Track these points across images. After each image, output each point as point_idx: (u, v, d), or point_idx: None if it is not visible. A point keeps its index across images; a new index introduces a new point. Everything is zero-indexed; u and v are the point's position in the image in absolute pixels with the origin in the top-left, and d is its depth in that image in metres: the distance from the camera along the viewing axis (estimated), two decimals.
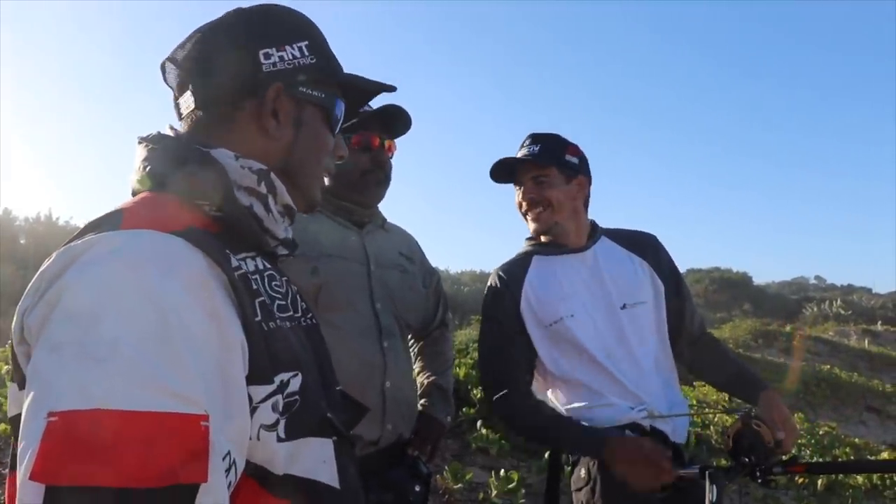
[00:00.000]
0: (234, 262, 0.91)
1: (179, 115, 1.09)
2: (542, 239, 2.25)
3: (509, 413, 2.10)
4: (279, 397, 0.88)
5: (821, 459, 5.61)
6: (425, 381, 2.31)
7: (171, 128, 1.08)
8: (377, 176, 2.05)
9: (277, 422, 0.87)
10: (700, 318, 2.36)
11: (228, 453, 0.78)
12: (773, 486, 1.88)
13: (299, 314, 1.08)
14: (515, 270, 2.20)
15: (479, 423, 4.71)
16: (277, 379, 0.88)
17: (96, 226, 0.87)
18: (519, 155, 2.16)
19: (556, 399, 2.15)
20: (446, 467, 3.69)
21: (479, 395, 5.00)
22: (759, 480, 1.85)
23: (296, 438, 0.90)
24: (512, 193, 2.26)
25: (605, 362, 2.07)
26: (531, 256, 2.21)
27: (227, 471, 0.77)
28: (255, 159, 1.03)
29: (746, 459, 1.86)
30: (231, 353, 0.81)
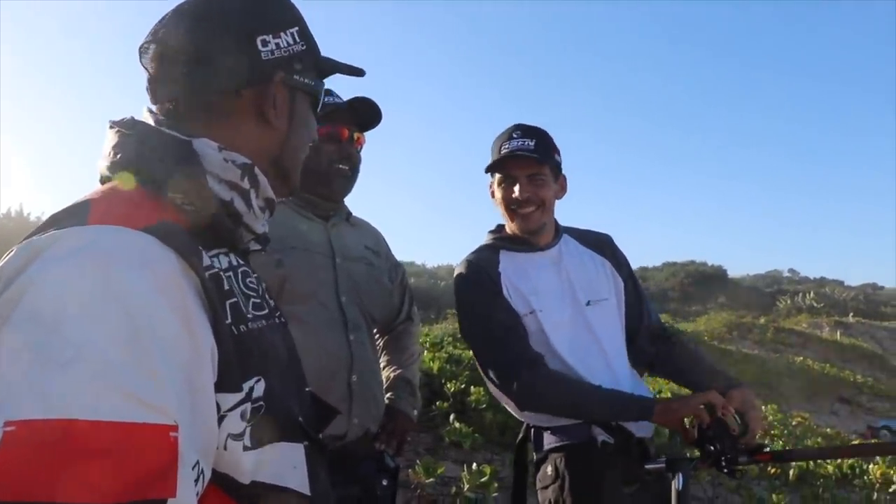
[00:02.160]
0: (207, 261, 0.86)
1: (155, 98, 1.02)
2: (510, 233, 2.20)
3: (545, 388, 1.96)
4: (247, 405, 0.84)
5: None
6: (391, 375, 2.28)
7: (150, 112, 1.00)
8: (344, 169, 2.01)
9: (244, 430, 0.83)
10: (658, 316, 2.36)
11: (197, 463, 0.74)
12: (739, 475, 1.88)
13: (268, 311, 1.03)
14: (488, 260, 2.14)
15: (451, 416, 4.68)
16: (246, 386, 0.84)
17: (60, 219, 0.81)
18: (509, 147, 2.09)
19: None
20: (418, 461, 3.66)
21: (452, 389, 4.97)
22: (725, 470, 1.84)
23: (263, 445, 0.86)
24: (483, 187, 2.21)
25: (570, 359, 2.03)
26: (498, 251, 2.17)
27: (196, 481, 0.73)
28: (247, 148, 0.99)
29: (712, 448, 1.84)
30: (201, 360, 0.77)
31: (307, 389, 1.10)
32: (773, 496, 4.55)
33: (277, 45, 1.02)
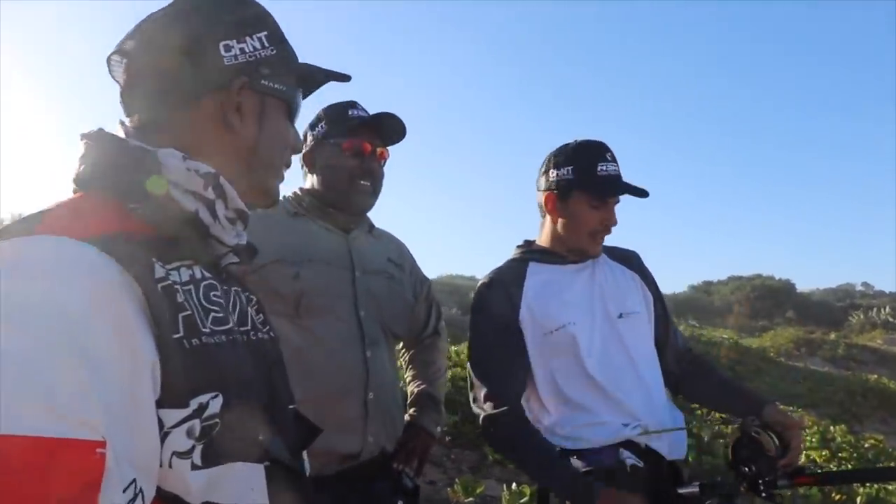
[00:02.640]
0: (160, 272, 0.83)
1: (127, 110, 1.03)
2: (541, 246, 2.15)
3: (506, 434, 1.94)
4: (195, 422, 0.81)
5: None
6: (415, 390, 2.23)
7: (122, 124, 1.01)
8: (365, 185, 1.97)
9: (193, 448, 0.81)
10: (685, 340, 2.29)
11: (134, 482, 0.72)
12: (779, 500, 1.73)
13: (248, 327, 1.02)
14: (513, 275, 2.08)
15: None
16: (195, 402, 0.81)
17: (11, 229, 0.82)
18: (606, 170, 2.00)
19: (544, 414, 2.03)
20: (457, 480, 3.56)
21: None
22: (763, 494, 1.73)
23: (215, 465, 0.83)
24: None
25: (600, 377, 1.95)
26: (526, 264, 2.10)
27: (133, 500, 0.72)
28: (214, 157, 0.97)
29: (746, 469, 1.72)
30: (138, 373, 0.75)
31: (291, 407, 1.07)
32: None
33: (242, 49, 1.01)
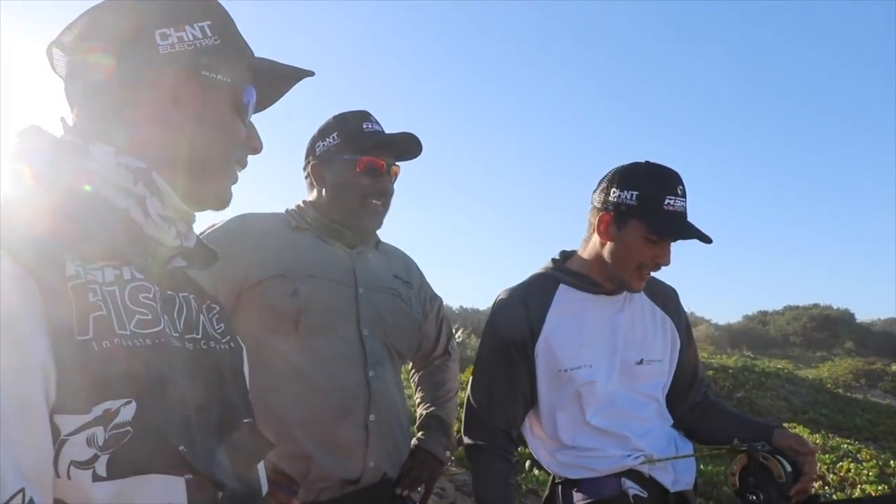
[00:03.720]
0: (73, 271, 0.80)
1: (70, 105, 0.99)
2: (577, 269, 2.00)
3: (477, 467, 1.96)
4: (98, 429, 0.76)
5: None
6: (423, 413, 2.15)
7: (62, 120, 0.98)
8: (377, 204, 1.91)
9: (95, 457, 0.76)
10: (705, 390, 2.14)
11: (21, 491, 0.68)
12: None
13: (198, 335, 0.98)
14: (539, 298, 1.95)
15: (528, 463, 4.48)
16: (100, 408, 0.76)
17: None
18: (674, 205, 1.81)
19: (545, 442, 1.96)
20: None
21: None
22: None
23: (124, 476, 0.78)
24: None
25: (604, 425, 1.87)
26: (557, 285, 1.97)
27: None
28: (150, 151, 0.94)
29: (753, 498, 1.63)
30: (27, 376, 0.71)
31: (246, 421, 1.01)
32: None
33: (180, 38, 0.96)
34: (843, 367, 15.84)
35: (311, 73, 1.13)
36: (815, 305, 30.25)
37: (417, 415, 2.16)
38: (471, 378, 2.00)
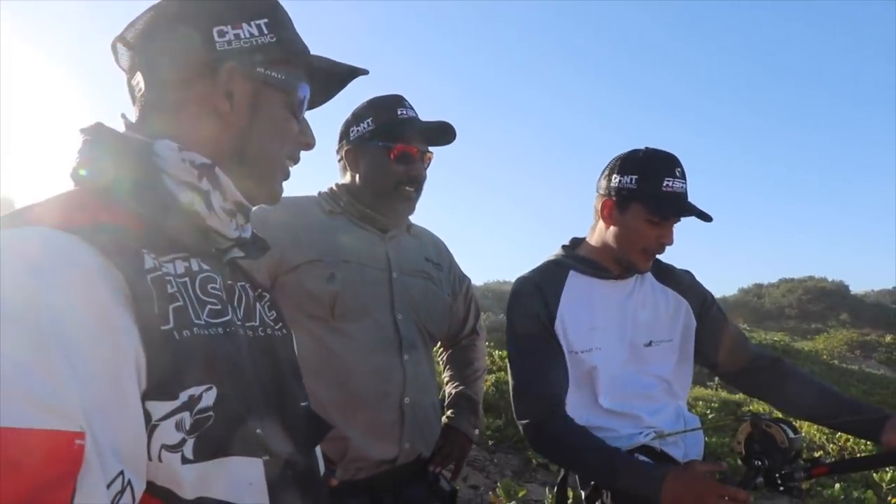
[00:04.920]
0: (150, 263, 0.83)
1: (133, 99, 1.02)
2: (585, 254, 2.06)
3: (553, 437, 1.85)
4: (185, 414, 0.79)
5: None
6: (453, 391, 2.20)
7: (123, 116, 1.01)
8: (409, 191, 1.92)
9: (183, 441, 0.79)
10: (751, 344, 2.18)
11: (121, 473, 0.71)
12: (798, 494, 1.72)
13: (256, 323, 1.01)
14: (553, 283, 1.99)
15: None
16: (185, 394, 0.79)
17: (3, 222, 0.81)
18: (672, 187, 1.88)
19: None
20: (499, 483, 3.56)
21: None
22: (781, 488, 1.70)
23: (208, 459, 0.81)
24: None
25: (614, 407, 1.92)
26: (567, 271, 2.02)
27: (121, 493, 0.71)
28: (207, 146, 0.96)
29: (759, 463, 1.72)
30: (121, 364, 0.74)
31: (303, 405, 1.06)
32: None
33: (237, 35, 0.98)
34: (838, 338, 16.03)
35: (365, 72, 1.14)
36: (810, 278, 30.47)
37: (446, 393, 2.21)
38: (509, 367, 2.01)
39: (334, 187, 2.00)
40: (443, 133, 1.94)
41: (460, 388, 2.19)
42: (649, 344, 2.00)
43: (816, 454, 5.89)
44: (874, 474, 5.27)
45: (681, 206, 1.89)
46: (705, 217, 1.90)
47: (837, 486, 4.95)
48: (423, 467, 1.91)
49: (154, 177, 0.91)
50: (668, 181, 1.88)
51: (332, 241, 1.84)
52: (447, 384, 2.24)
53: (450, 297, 2.11)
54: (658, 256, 2.05)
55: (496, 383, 5.79)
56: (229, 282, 0.99)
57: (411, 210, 1.98)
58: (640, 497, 1.69)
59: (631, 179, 1.91)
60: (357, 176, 1.95)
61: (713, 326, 2.11)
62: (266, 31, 1.01)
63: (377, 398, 1.77)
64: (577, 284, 1.99)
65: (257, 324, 1.02)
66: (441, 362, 2.33)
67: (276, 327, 1.07)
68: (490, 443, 4.95)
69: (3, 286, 0.69)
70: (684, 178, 1.90)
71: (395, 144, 1.88)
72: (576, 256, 2.06)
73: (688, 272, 2.21)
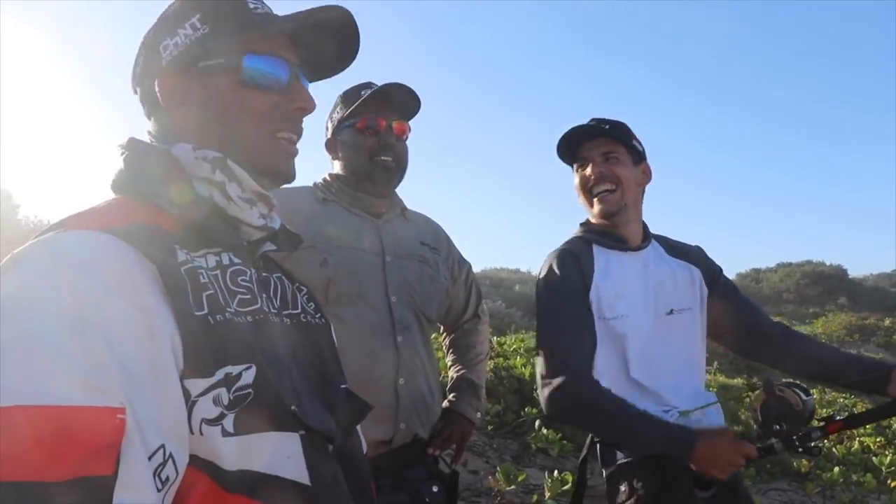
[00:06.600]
0: (183, 257, 0.90)
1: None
2: (599, 226, 2.11)
3: (579, 401, 1.84)
4: (222, 390, 0.85)
5: None
6: (454, 375, 2.21)
7: (149, 132, 1.10)
8: (386, 160, 1.94)
9: (222, 415, 0.85)
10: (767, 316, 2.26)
11: (162, 447, 0.76)
12: (818, 452, 1.76)
13: (298, 310, 1.11)
14: (584, 252, 2.05)
15: (537, 423, 4.57)
16: (221, 372, 0.85)
17: (49, 228, 0.89)
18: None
19: None
20: (498, 467, 3.57)
21: None
22: (801, 449, 1.74)
23: (248, 433, 0.86)
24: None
25: (642, 378, 1.94)
26: (590, 245, 2.08)
27: (163, 464, 0.76)
28: (207, 147, 1.02)
29: (777, 427, 1.75)
30: (159, 344, 0.80)
31: (343, 387, 1.14)
32: None
33: (175, 43, 1.05)
34: (836, 322, 16.10)
35: (344, 11, 1.08)
36: (808, 262, 30.47)
37: (448, 377, 2.22)
38: (536, 336, 2.01)
39: (327, 177, 2.06)
40: (403, 96, 1.96)
41: (462, 371, 2.20)
42: (670, 312, 2.05)
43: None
44: (874, 458, 5.31)
45: (572, 137, 2.07)
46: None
47: (837, 469, 4.98)
48: (421, 450, 1.91)
49: (181, 178, 0.99)
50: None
51: (324, 228, 1.87)
52: (450, 368, 2.25)
53: (447, 280, 2.12)
54: (666, 235, 2.22)
55: (495, 369, 5.79)
56: (264, 274, 1.07)
57: (392, 181, 2.01)
58: (671, 458, 1.77)
59: None
60: (339, 161, 2.02)
61: (725, 294, 2.18)
62: (199, 26, 1.04)
63: (371, 379, 1.79)
64: (601, 256, 2.06)
65: (299, 311, 1.12)
66: (444, 347, 2.33)
67: (316, 316, 1.17)
68: (489, 428, 4.96)
69: (48, 282, 0.77)
70: (598, 125, 2.06)
71: (360, 118, 1.94)
72: (596, 230, 2.12)
73: (697, 246, 2.28)
